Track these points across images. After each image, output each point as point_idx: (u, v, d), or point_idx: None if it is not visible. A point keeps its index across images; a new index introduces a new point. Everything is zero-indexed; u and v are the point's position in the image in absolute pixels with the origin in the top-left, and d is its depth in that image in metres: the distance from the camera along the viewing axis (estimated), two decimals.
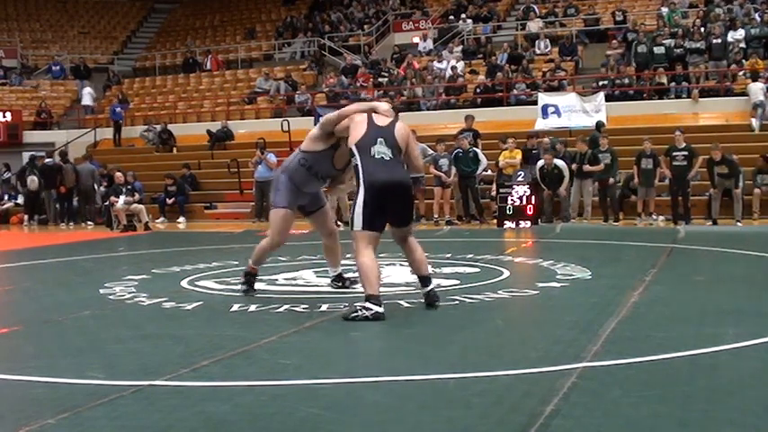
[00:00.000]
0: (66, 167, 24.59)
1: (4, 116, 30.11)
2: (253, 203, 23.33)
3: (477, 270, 10.67)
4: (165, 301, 8.53)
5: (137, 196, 21.51)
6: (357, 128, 7.65)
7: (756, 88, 22.41)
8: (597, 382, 5.09)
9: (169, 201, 24.00)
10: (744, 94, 23.36)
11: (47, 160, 25.17)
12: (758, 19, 26.22)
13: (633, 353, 5.76)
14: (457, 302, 8.09)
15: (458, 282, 9.49)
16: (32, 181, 24.51)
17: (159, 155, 28.21)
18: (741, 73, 24.23)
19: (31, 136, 30.33)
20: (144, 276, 10.70)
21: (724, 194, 18.64)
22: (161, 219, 23.62)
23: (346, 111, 8.03)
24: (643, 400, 4.68)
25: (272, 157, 22.35)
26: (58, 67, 35.17)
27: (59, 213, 24.45)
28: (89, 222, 23.76)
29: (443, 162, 20.18)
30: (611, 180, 19.40)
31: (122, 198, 21.20)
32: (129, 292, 9.26)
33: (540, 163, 19.67)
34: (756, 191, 19.32)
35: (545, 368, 5.41)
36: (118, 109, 29.75)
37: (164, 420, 4.49)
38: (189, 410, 4.66)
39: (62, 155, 25.41)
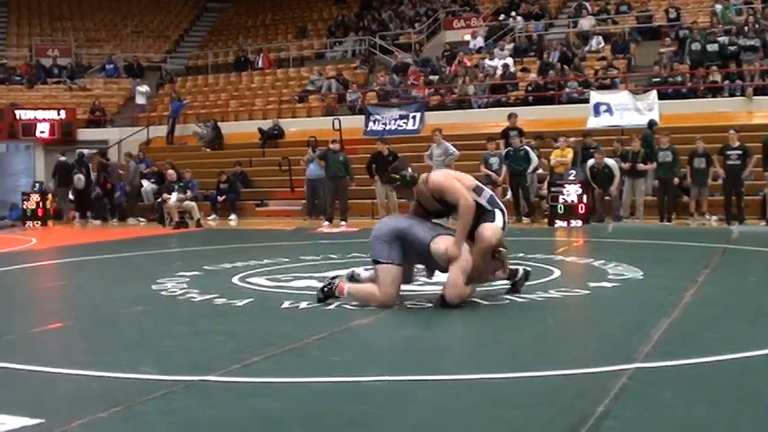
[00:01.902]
0: (111, 165, 25.11)
1: (59, 114, 30.46)
2: (304, 201, 23.42)
3: (527, 269, 10.62)
4: (217, 298, 8.59)
5: (189, 193, 21.68)
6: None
7: None
8: (648, 384, 5.04)
9: (221, 198, 24.18)
10: None
11: (61, 158, 25.79)
12: None
13: (685, 354, 5.71)
14: (507, 302, 8.06)
15: (508, 281, 9.44)
16: (79, 180, 24.85)
17: (210, 152, 28.38)
18: None
19: (85, 134, 30.63)
20: (196, 273, 10.78)
21: None
22: (212, 216, 23.78)
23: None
24: (694, 402, 4.64)
25: None
26: (111, 66, 35.52)
27: (111, 210, 24.94)
28: (141, 219, 24.05)
29: (494, 160, 20.13)
30: (676, 180, 19.22)
31: (175, 195, 21.39)
32: (181, 289, 9.33)
33: (591, 162, 19.54)
34: None
35: (596, 369, 5.37)
36: (179, 105, 30.04)
37: (215, 415, 4.53)
38: (240, 406, 4.69)
39: (102, 154, 25.90)
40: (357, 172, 21.71)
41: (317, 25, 37.91)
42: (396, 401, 4.77)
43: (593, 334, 6.83)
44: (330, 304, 7.90)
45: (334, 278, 8.19)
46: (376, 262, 7.75)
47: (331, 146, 21.46)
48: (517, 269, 8.47)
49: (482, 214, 7.82)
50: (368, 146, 23.77)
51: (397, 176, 7.96)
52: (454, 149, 20.44)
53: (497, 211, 7.95)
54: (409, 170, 7.97)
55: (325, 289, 7.96)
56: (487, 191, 8.12)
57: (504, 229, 7.93)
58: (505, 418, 4.44)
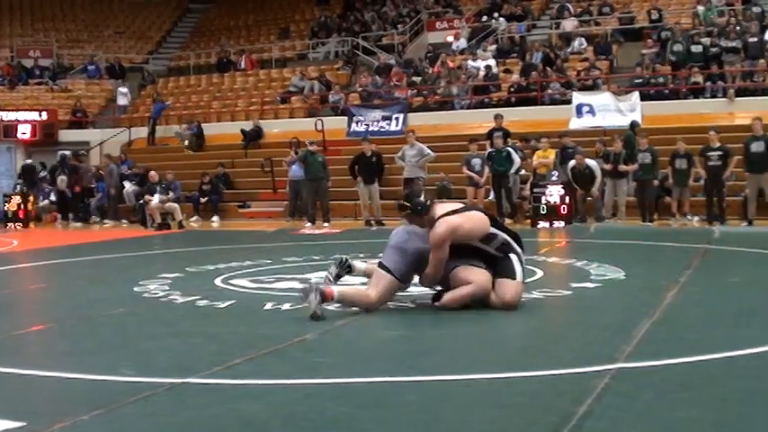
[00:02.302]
0: (83, 167, 25.09)
1: (40, 115, 30.32)
2: (286, 202, 23.39)
3: None
4: (199, 300, 8.56)
5: (171, 195, 21.63)
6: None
7: None
8: (630, 384, 5.06)
9: (203, 199, 24.13)
10: None
11: (27, 161, 25.95)
12: None
13: (667, 354, 5.72)
14: None
15: None
16: (62, 181, 24.85)
17: (193, 154, 28.31)
18: None
19: (67, 135, 30.48)
20: (178, 274, 10.75)
21: (760, 194, 18.46)
22: (195, 217, 23.73)
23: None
24: (676, 403, 4.65)
25: None
26: (93, 67, 35.38)
27: (85, 212, 24.90)
28: (124, 221, 24.00)
29: (476, 162, 20.15)
30: (656, 181, 19.29)
31: (157, 196, 21.34)
32: (163, 290, 9.31)
33: (572, 163, 19.61)
34: None
35: (578, 369, 5.38)
36: (160, 107, 29.95)
37: (196, 418, 4.52)
38: (222, 408, 4.68)
39: (75, 155, 25.84)
40: (341, 173, 21.71)
41: (299, 26, 37.87)
42: (380, 402, 4.76)
43: (576, 334, 6.84)
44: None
45: (315, 284, 7.57)
46: (385, 268, 7.64)
47: (309, 147, 21.39)
48: None
49: (495, 263, 7.69)
50: (351, 147, 23.77)
51: (407, 205, 7.90)
52: (429, 151, 20.43)
53: (514, 260, 7.71)
54: (420, 200, 7.84)
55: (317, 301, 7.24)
56: (501, 236, 7.76)
57: (523, 277, 7.77)
58: (489, 418, 4.44)
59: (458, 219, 7.65)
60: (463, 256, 7.68)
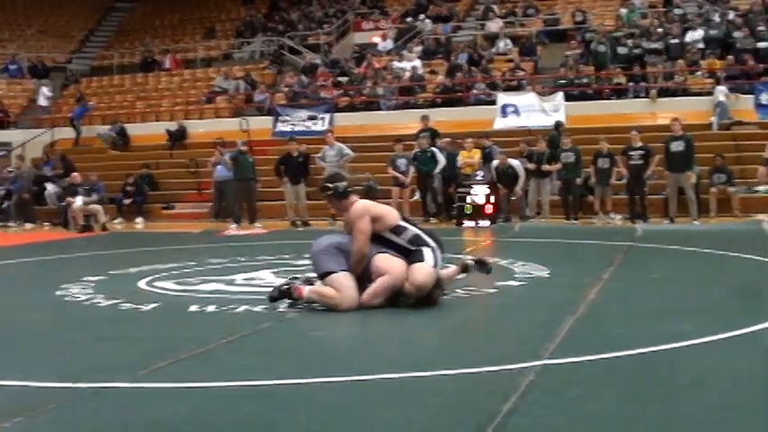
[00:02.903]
0: None
1: None
2: (211, 203, 23.22)
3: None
4: (123, 303, 8.44)
5: (94, 196, 21.34)
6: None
7: (718, 89, 22.61)
8: (555, 380, 5.10)
9: (126, 201, 23.85)
10: (701, 94, 23.58)
11: None
12: (717, 20, 26.46)
13: (591, 351, 5.78)
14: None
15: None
16: None
17: (116, 154, 27.94)
18: (699, 73, 24.41)
19: None
20: (101, 277, 10.59)
21: (680, 193, 18.76)
22: (118, 219, 23.43)
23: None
24: (600, 398, 4.70)
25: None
26: (15, 66, 34.73)
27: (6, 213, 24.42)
28: (45, 223, 23.57)
29: (401, 162, 20.20)
30: (579, 180, 19.51)
31: (80, 198, 21.04)
32: (86, 294, 9.16)
33: (495, 163, 19.78)
34: (713, 190, 19.50)
35: (502, 366, 5.41)
36: (82, 110, 29.49)
37: (117, 422, 4.46)
38: (143, 412, 4.62)
39: None
40: (267, 173, 21.62)
41: (224, 26, 37.60)
42: (301, 404, 4.74)
43: (500, 332, 6.88)
44: (237, 307, 7.85)
45: (294, 278, 7.97)
46: (326, 275, 7.63)
47: (240, 147, 21.25)
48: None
49: (408, 254, 7.77)
50: (278, 147, 23.69)
51: (330, 187, 7.96)
52: (349, 150, 20.56)
53: (425, 250, 7.77)
54: (344, 183, 7.98)
55: (283, 288, 7.78)
56: (412, 230, 7.94)
57: (436, 266, 7.76)
58: (413, 417, 4.44)
59: (371, 203, 8.01)
60: (381, 245, 7.81)
